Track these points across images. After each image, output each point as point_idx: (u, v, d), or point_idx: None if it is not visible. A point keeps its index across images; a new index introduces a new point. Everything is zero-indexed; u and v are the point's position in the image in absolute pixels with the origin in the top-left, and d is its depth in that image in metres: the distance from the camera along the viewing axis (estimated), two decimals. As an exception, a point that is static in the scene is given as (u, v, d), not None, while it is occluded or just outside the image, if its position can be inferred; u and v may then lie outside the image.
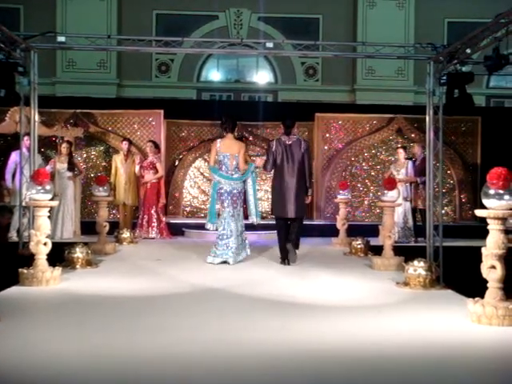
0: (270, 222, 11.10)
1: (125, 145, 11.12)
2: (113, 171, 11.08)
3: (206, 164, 12.93)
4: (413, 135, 12.32)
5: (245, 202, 8.05)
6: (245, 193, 7.91)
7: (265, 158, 8.19)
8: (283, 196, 7.74)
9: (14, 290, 5.93)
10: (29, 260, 6.54)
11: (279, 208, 7.77)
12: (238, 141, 8.22)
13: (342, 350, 4.05)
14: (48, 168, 9.67)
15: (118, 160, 11.07)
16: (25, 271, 6.17)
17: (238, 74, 17.19)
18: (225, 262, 7.65)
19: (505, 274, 4.68)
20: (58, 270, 6.33)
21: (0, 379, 3.44)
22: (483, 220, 4.86)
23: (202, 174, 12.96)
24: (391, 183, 8.02)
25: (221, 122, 8.05)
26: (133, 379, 3.48)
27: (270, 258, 8.47)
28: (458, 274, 6.82)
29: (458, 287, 6.11)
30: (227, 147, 7.77)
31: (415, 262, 6.27)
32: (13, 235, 9.42)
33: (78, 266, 7.21)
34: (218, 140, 7.96)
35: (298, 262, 7.79)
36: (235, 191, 7.79)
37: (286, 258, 7.71)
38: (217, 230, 7.82)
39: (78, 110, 11.95)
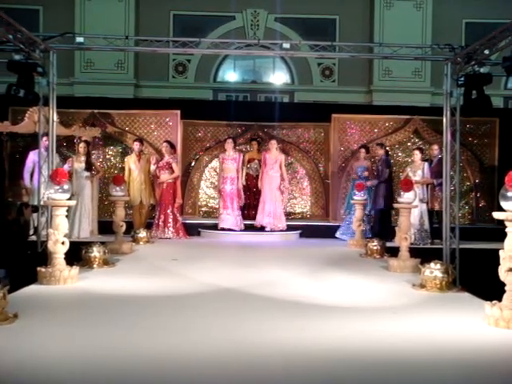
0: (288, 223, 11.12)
1: (136, 145, 11.11)
2: (126, 173, 11.07)
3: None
4: (429, 137, 12.25)
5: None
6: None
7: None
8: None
9: (32, 289, 6.00)
10: (47, 259, 6.61)
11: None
12: None
13: (357, 352, 4.05)
14: (66, 167, 9.75)
15: (130, 161, 11.09)
16: (43, 270, 6.24)
17: (255, 74, 17.21)
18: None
19: (522, 277, 4.64)
20: (75, 269, 6.40)
21: (17, 377, 3.49)
22: (501, 222, 4.82)
23: (218, 174, 12.96)
24: (408, 184, 7.98)
25: None
26: (147, 378, 3.51)
27: (284, 259, 8.48)
28: (475, 277, 6.77)
29: (474, 290, 6.08)
30: None
31: (431, 264, 6.25)
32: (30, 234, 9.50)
33: (95, 266, 7.28)
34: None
35: (315, 261, 8.19)
36: None
37: None
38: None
39: (96, 111, 12.04)
